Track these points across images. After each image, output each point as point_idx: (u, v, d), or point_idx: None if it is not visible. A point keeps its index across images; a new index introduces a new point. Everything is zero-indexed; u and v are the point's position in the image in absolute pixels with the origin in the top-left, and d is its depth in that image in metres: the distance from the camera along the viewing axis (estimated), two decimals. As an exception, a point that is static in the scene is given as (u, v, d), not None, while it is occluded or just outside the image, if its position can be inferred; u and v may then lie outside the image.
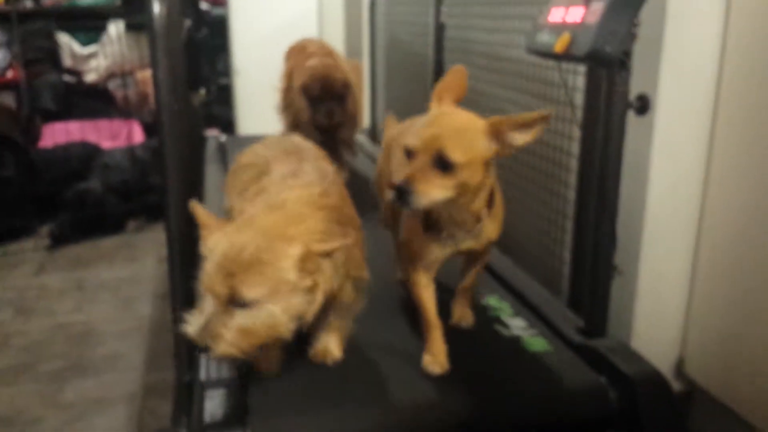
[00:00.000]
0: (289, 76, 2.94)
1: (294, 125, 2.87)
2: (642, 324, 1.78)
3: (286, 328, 1.25)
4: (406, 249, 1.58)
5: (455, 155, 1.30)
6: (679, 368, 1.83)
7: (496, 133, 1.35)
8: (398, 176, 1.34)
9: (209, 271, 1.22)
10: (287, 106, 2.93)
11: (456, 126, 1.36)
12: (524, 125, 1.33)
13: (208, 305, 1.22)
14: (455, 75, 1.51)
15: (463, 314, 1.70)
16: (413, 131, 1.36)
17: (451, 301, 1.70)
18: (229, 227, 1.29)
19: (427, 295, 1.53)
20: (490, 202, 1.48)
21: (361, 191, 2.11)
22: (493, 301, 1.85)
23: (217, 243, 1.25)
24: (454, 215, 1.45)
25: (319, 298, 1.28)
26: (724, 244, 1.67)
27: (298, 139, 1.80)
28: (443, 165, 1.31)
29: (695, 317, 1.78)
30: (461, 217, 1.46)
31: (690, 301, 1.79)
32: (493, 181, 1.48)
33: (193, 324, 1.23)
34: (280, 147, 1.68)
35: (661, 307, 1.78)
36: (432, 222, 1.50)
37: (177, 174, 1.49)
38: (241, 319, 1.21)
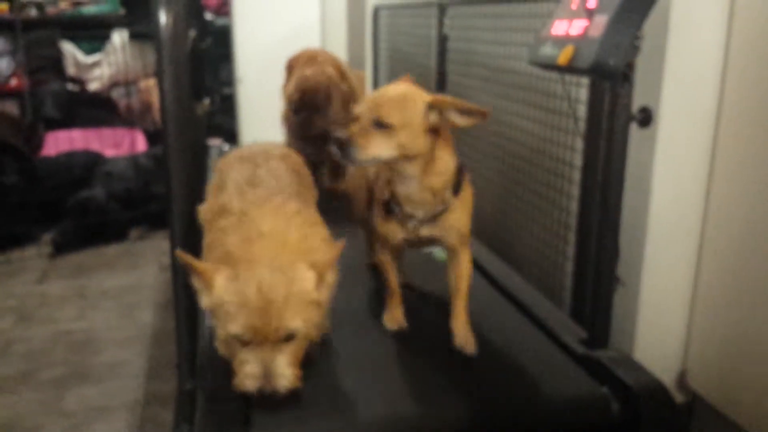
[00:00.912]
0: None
1: (286, 135, 2.90)
2: (644, 335, 1.78)
3: (317, 335, 1.39)
4: (374, 234, 1.76)
5: (391, 118, 1.49)
6: (682, 379, 1.82)
7: (437, 107, 1.52)
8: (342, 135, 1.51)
9: (253, 322, 1.26)
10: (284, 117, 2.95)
11: (396, 93, 1.54)
12: (464, 111, 1.51)
13: (250, 352, 1.28)
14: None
15: (466, 340, 1.64)
16: (361, 100, 1.56)
17: (449, 321, 1.67)
18: (228, 271, 1.30)
19: (390, 269, 1.75)
20: (456, 189, 1.59)
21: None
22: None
23: (230, 290, 1.28)
24: (410, 191, 1.58)
25: (327, 302, 1.39)
26: (726, 255, 1.67)
27: (260, 144, 1.90)
28: (380, 125, 1.49)
29: (698, 328, 1.78)
30: (419, 195, 1.58)
31: (692, 312, 1.79)
32: (454, 164, 1.60)
33: (250, 378, 1.28)
34: (239, 154, 1.79)
35: (663, 318, 1.78)
36: (394, 203, 1.63)
37: (180, 183, 1.49)
38: (290, 350, 1.30)
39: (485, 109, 1.50)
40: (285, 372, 1.29)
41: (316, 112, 2.74)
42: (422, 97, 1.53)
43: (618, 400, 1.48)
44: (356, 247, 2.04)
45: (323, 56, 3.08)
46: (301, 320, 1.29)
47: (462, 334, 1.64)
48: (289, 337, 1.29)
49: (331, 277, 1.37)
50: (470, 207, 1.67)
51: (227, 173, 1.68)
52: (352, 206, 2.04)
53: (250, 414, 1.39)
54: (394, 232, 1.66)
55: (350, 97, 2.92)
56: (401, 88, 1.57)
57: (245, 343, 1.29)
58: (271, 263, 1.31)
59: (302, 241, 1.41)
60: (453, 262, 1.69)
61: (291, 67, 3.16)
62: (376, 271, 1.96)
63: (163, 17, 1.44)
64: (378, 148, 1.50)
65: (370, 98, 1.55)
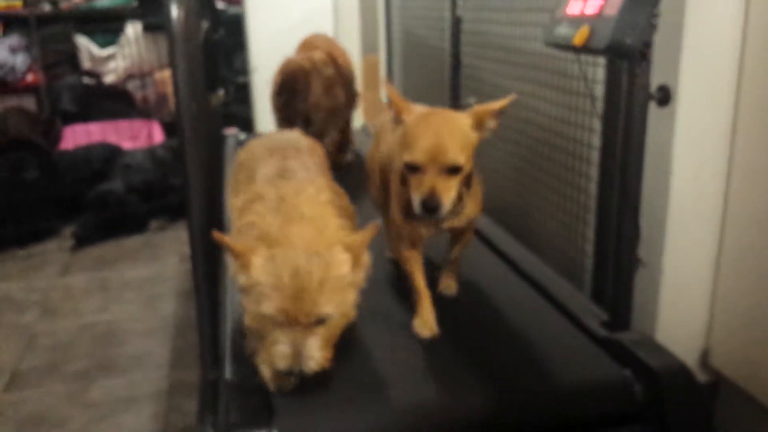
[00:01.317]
0: None
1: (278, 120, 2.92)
2: (666, 315, 1.76)
3: (351, 317, 1.39)
4: (394, 229, 1.71)
5: (460, 159, 1.45)
6: (705, 359, 1.81)
7: (478, 123, 1.51)
8: (417, 193, 1.45)
9: (286, 303, 1.27)
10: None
11: (450, 130, 1.47)
12: (499, 112, 1.51)
13: (283, 333, 1.30)
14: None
15: (447, 285, 1.81)
16: (411, 147, 1.46)
17: (438, 273, 1.79)
18: (265, 252, 1.32)
19: (416, 268, 1.68)
20: (468, 183, 1.58)
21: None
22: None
23: (267, 271, 1.30)
24: None
25: (362, 283, 1.40)
26: (748, 234, 1.65)
27: (289, 135, 1.90)
28: (452, 170, 1.45)
29: (720, 308, 1.76)
30: None
31: (714, 291, 1.77)
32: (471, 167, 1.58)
33: (281, 357, 1.30)
34: (267, 145, 1.79)
35: (685, 298, 1.77)
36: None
37: (197, 176, 1.50)
38: (322, 333, 1.31)
39: (511, 97, 1.51)
40: (315, 354, 1.30)
41: (296, 95, 2.77)
42: (464, 120, 1.51)
43: (641, 382, 1.47)
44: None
45: (319, 41, 3.09)
46: (335, 305, 1.31)
47: (445, 282, 1.79)
48: (322, 321, 1.30)
49: (366, 259, 1.39)
50: (480, 194, 1.69)
51: (255, 166, 1.69)
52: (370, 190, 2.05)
53: (274, 403, 1.40)
54: (417, 230, 1.65)
55: (335, 82, 2.93)
56: (446, 119, 1.51)
57: (278, 324, 1.30)
58: (308, 246, 1.33)
59: (338, 227, 1.44)
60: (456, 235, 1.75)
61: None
62: (396, 263, 1.96)
63: (174, 11, 1.44)
64: (452, 194, 1.47)
65: (426, 145, 1.44)
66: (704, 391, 1.82)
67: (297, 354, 1.29)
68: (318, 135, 2.87)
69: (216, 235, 1.36)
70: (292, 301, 1.27)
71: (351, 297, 1.36)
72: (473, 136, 1.50)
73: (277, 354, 1.30)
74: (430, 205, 1.43)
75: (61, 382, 2.57)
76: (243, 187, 1.67)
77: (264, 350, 1.37)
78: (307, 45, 3.08)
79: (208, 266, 1.55)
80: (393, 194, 1.69)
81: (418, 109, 1.58)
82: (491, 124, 1.52)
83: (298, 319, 1.28)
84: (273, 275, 1.29)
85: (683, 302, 1.77)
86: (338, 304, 1.32)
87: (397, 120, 1.56)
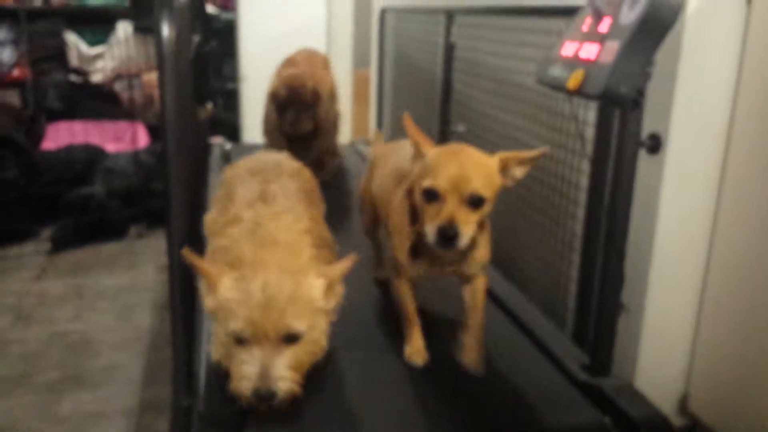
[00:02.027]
0: None
1: (263, 133, 2.86)
2: (647, 360, 1.76)
3: (322, 349, 1.34)
4: (393, 260, 1.63)
5: (486, 192, 1.38)
6: (683, 404, 1.81)
7: (504, 168, 1.45)
8: (434, 222, 1.36)
9: (255, 317, 1.22)
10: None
11: (477, 163, 1.41)
12: (527, 161, 1.46)
13: (251, 354, 1.24)
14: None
15: (470, 358, 1.60)
16: (432, 173, 1.39)
17: (459, 336, 1.63)
18: (234, 272, 1.29)
19: (407, 298, 1.63)
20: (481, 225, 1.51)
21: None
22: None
23: (235, 290, 1.26)
24: None
25: (334, 315, 1.37)
26: (731, 283, 1.65)
27: (277, 157, 1.87)
28: (475, 202, 1.38)
29: (700, 354, 1.76)
30: None
31: (696, 338, 1.77)
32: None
33: (246, 379, 1.24)
34: (251, 166, 1.76)
35: (666, 343, 1.76)
36: (422, 246, 1.52)
37: (180, 192, 1.47)
38: (292, 354, 1.25)
39: (544, 150, 1.46)
40: (284, 374, 1.24)
41: (304, 110, 2.70)
42: (490, 160, 1.44)
43: (620, 431, 1.46)
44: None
45: (300, 58, 3.04)
46: (304, 322, 1.26)
47: (471, 351, 1.59)
48: (292, 339, 1.25)
49: (339, 289, 1.36)
50: (489, 241, 1.61)
51: (236, 186, 1.66)
52: (361, 217, 2.04)
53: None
54: (419, 268, 1.58)
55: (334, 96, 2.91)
56: (474, 155, 1.44)
57: (245, 344, 1.25)
58: (278, 267, 1.30)
59: (312, 257, 1.41)
60: (469, 288, 1.63)
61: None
62: (383, 285, 1.95)
63: (165, 30, 1.41)
64: (472, 228, 1.38)
65: (449, 173, 1.37)
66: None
67: (265, 375, 1.22)
68: (324, 150, 2.85)
69: (186, 254, 1.33)
70: (260, 311, 1.22)
71: (322, 323, 1.32)
72: (497, 179, 1.43)
73: (243, 376, 1.24)
74: (448, 234, 1.34)
75: (32, 393, 2.52)
76: (222, 207, 1.64)
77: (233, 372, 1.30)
78: (292, 61, 3.04)
79: (187, 287, 1.52)
80: (394, 231, 1.62)
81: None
82: (517, 172, 1.46)
83: (267, 333, 1.22)
84: (241, 291, 1.25)
85: (664, 347, 1.76)
86: (308, 323, 1.27)
87: (418, 154, 1.49)
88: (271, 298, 1.23)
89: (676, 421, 1.78)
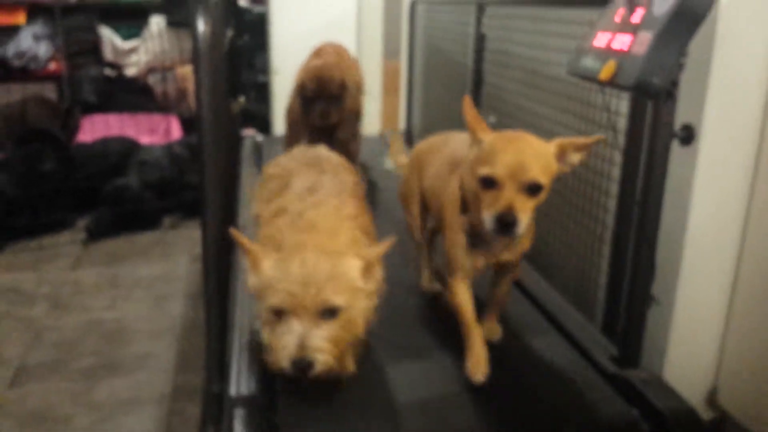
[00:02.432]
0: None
1: (287, 125, 2.86)
2: (676, 353, 1.75)
3: (362, 329, 1.36)
4: (448, 259, 1.61)
5: (544, 179, 1.37)
6: (712, 397, 1.80)
7: (561, 154, 1.44)
8: (491, 209, 1.36)
9: (294, 290, 1.26)
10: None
11: (535, 150, 1.40)
12: (583, 147, 1.45)
13: (290, 326, 1.27)
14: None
15: (491, 329, 1.70)
16: (490, 161, 1.37)
17: (480, 314, 1.67)
18: (277, 254, 1.33)
19: (466, 302, 1.58)
20: None
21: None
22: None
23: (276, 268, 1.30)
24: None
25: (376, 299, 1.38)
26: (763, 276, 1.63)
27: (320, 151, 1.88)
28: (533, 189, 1.36)
29: (730, 348, 1.74)
30: None
31: (726, 331, 1.76)
32: None
33: (285, 350, 1.27)
34: (301, 159, 1.78)
35: (696, 336, 1.75)
36: (476, 235, 1.53)
37: (214, 185, 1.50)
38: (331, 328, 1.28)
39: (600, 137, 1.47)
40: (322, 345, 1.26)
41: (332, 102, 2.70)
42: (547, 146, 1.43)
43: (648, 423, 1.46)
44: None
45: (328, 50, 3.04)
46: (343, 299, 1.28)
47: (488, 326, 1.68)
48: (330, 314, 1.28)
49: (378, 272, 1.37)
50: (533, 229, 1.60)
51: (283, 180, 1.68)
52: (407, 221, 1.98)
53: (277, 420, 1.39)
54: (476, 260, 1.57)
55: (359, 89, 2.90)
56: (531, 141, 1.42)
57: (285, 318, 1.28)
58: (319, 249, 1.32)
59: (352, 240, 1.43)
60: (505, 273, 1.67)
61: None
62: (432, 299, 1.92)
63: (201, 26, 1.44)
64: (528, 213, 1.37)
65: (507, 160, 1.36)
66: (710, 427, 1.81)
67: (303, 345, 1.25)
68: (346, 141, 2.85)
69: (233, 231, 1.37)
70: (299, 285, 1.26)
71: (360, 302, 1.33)
72: (554, 165, 1.42)
73: (282, 347, 1.27)
74: (507, 221, 1.33)
75: (67, 379, 2.58)
76: (268, 200, 1.66)
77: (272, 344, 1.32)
78: (318, 54, 3.05)
79: (221, 276, 1.55)
80: (448, 224, 1.61)
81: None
82: (574, 158, 1.45)
83: (306, 306, 1.25)
84: (281, 269, 1.29)
85: (694, 340, 1.75)
86: (346, 300, 1.29)
87: (474, 139, 1.47)
88: (310, 275, 1.27)
89: (705, 414, 1.77)
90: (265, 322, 1.33)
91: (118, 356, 2.74)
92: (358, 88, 2.89)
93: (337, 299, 1.27)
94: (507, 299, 1.76)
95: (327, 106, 2.69)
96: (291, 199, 1.56)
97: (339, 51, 3.05)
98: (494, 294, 1.70)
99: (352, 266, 1.32)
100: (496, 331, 1.70)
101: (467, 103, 1.51)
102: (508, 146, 1.39)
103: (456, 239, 1.57)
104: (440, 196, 1.70)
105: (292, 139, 2.80)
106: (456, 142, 1.77)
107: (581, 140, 1.44)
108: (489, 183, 1.37)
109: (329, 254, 1.31)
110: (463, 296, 1.58)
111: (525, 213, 1.35)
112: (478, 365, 1.51)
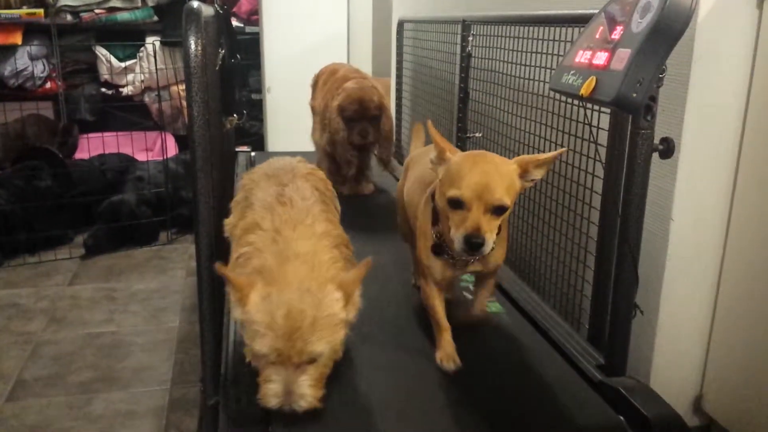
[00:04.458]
0: (323, 99, 3.03)
1: (331, 145, 2.97)
2: (661, 361, 1.78)
3: (341, 352, 1.45)
4: (419, 265, 1.71)
5: (508, 199, 1.43)
6: (698, 404, 1.83)
7: (523, 172, 1.50)
8: (460, 229, 1.43)
9: (279, 345, 1.31)
10: (323, 128, 3.02)
11: (499, 171, 1.46)
12: (543, 163, 1.50)
13: (275, 371, 1.33)
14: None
15: (482, 309, 1.79)
16: (457, 183, 1.44)
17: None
18: (263, 289, 1.35)
19: (437, 303, 1.69)
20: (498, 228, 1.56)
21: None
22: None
23: (261, 311, 1.33)
24: None
25: (353, 319, 1.42)
26: (745, 284, 1.67)
27: (287, 160, 1.93)
28: (498, 211, 1.43)
29: (715, 355, 1.78)
30: None
31: (710, 339, 1.79)
32: None
33: (272, 395, 1.34)
34: (268, 170, 1.83)
35: (681, 344, 1.78)
36: (444, 246, 1.60)
37: (207, 202, 1.53)
38: (313, 371, 1.35)
39: (562, 150, 1.56)
40: (306, 392, 1.34)
41: (371, 122, 2.85)
42: (510, 165, 1.49)
43: (634, 429, 1.48)
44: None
45: (345, 70, 3.14)
46: (326, 343, 1.33)
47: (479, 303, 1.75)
48: (313, 360, 1.34)
49: (357, 297, 1.41)
50: (506, 240, 1.68)
51: (254, 191, 1.72)
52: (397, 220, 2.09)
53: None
54: (443, 269, 1.65)
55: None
56: (494, 161, 1.49)
57: (270, 362, 1.34)
58: (301, 285, 1.35)
59: (331, 263, 1.46)
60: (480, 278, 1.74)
61: (316, 82, 3.23)
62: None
63: (192, 44, 1.48)
64: (494, 232, 1.45)
65: (473, 181, 1.43)
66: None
67: (288, 392, 1.32)
68: (387, 160, 3.01)
69: (219, 267, 1.38)
70: (284, 341, 1.30)
71: (341, 335, 1.38)
72: (518, 183, 1.49)
73: (269, 392, 1.34)
74: (475, 242, 1.41)
75: (64, 393, 2.60)
76: (241, 212, 1.70)
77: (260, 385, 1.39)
78: (332, 73, 3.15)
79: (215, 289, 1.58)
80: (419, 232, 1.69)
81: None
82: (536, 174, 1.51)
83: (291, 358, 1.31)
84: (267, 314, 1.31)
85: (679, 348, 1.78)
86: (329, 342, 1.34)
87: (440, 159, 1.54)
88: (295, 328, 1.30)
89: (691, 421, 1.80)
90: (249, 355, 1.40)
91: (115, 370, 2.77)
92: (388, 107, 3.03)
93: (321, 347, 1.33)
94: (491, 293, 1.83)
95: (366, 126, 2.80)
96: (261, 214, 1.59)
97: (360, 72, 3.16)
98: (476, 294, 1.79)
99: (334, 301, 1.36)
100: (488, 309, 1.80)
101: (430, 126, 1.62)
102: (474, 168, 1.45)
103: (425, 247, 1.65)
104: (415, 206, 1.77)
105: (340, 158, 2.97)
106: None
107: (542, 157, 1.50)
108: (456, 204, 1.44)
109: (312, 294, 1.34)
110: (434, 300, 1.68)
111: (491, 233, 1.43)
112: (448, 357, 1.64)
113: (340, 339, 1.39)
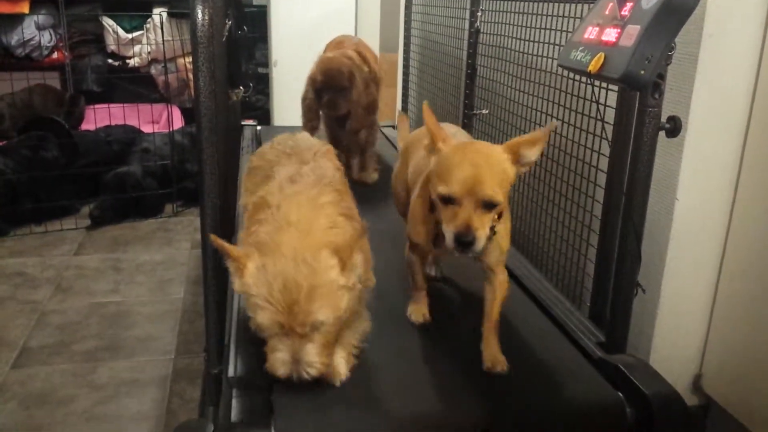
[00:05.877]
0: None
1: (304, 112, 2.94)
2: (662, 339, 1.79)
3: (349, 314, 1.41)
4: (408, 237, 1.69)
5: (498, 196, 1.38)
6: (697, 383, 1.84)
7: (514, 156, 1.44)
8: (450, 226, 1.39)
9: (279, 317, 1.31)
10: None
11: (490, 163, 1.40)
12: (537, 141, 1.43)
13: (280, 341, 1.34)
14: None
15: (495, 360, 1.56)
16: (447, 179, 1.39)
17: (480, 343, 1.62)
18: (259, 260, 1.34)
19: (418, 268, 1.73)
20: (498, 215, 1.50)
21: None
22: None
23: (257, 280, 1.32)
24: None
25: (358, 286, 1.40)
26: (748, 264, 1.67)
27: (302, 138, 1.90)
28: (488, 205, 1.39)
29: (715, 335, 1.79)
30: None
31: (711, 318, 1.80)
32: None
33: (280, 364, 1.34)
34: (283, 149, 1.81)
35: (682, 323, 1.80)
36: (442, 237, 1.51)
37: (213, 173, 1.53)
38: (319, 338, 1.34)
39: (551, 126, 1.51)
40: (313, 360, 1.34)
41: (340, 93, 2.78)
42: (500, 154, 1.43)
43: (633, 406, 1.49)
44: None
45: (349, 41, 3.11)
46: (327, 311, 1.32)
47: (490, 357, 1.56)
48: (317, 328, 1.33)
49: (355, 260, 1.38)
50: (509, 228, 1.62)
51: (274, 170, 1.70)
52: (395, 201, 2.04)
53: (274, 400, 1.44)
54: (435, 251, 1.63)
55: (372, 81, 2.96)
56: (484, 152, 1.44)
57: (274, 333, 1.34)
58: (296, 255, 1.34)
59: (329, 229, 1.44)
60: (489, 282, 1.64)
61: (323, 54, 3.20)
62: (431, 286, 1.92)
63: (199, 15, 1.47)
64: (487, 228, 1.39)
65: (462, 177, 1.38)
66: (695, 420, 1.85)
67: (295, 361, 1.33)
68: (357, 131, 2.94)
69: (214, 239, 1.38)
70: (284, 314, 1.30)
71: (343, 300, 1.36)
72: (511, 171, 1.43)
73: (276, 361, 1.34)
74: (465, 240, 1.36)
75: (69, 361, 2.63)
76: (256, 191, 1.69)
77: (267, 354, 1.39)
78: (337, 45, 3.12)
79: (219, 261, 1.59)
80: (411, 213, 1.66)
81: (454, 140, 1.52)
82: (530, 155, 1.43)
83: (293, 329, 1.31)
84: (265, 286, 1.31)
85: (679, 327, 1.80)
86: (331, 309, 1.33)
87: (432, 148, 1.50)
88: (293, 301, 1.29)
89: (690, 399, 1.82)
90: (253, 324, 1.38)
91: (119, 339, 2.79)
92: (373, 81, 2.95)
93: (322, 315, 1.31)
94: (499, 311, 1.64)
95: (334, 97, 2.76)
96: (271, 191, 1.58)
97: (358, 44, 3.11)
98: (486, 311, 1.64)
99: (330, 267, 1.34)
100: (500, 362, 1.55)
101: (426, 109, 1.54)
102: (464, 162, 1.40)
103: (417, 230, 1.63)
104: (411, 181, 1.75)
105: (306, 124, 2.91)
106: None
107: (531, 136, 1.44)
108: (447, 200, 1.40)
109: (307, 262, 1.32)
110: (415, 263, 1.72)
111: (483, 229, 1.38)
112: (418, 311, 1.73)
113: (343, 304, 1.36)
